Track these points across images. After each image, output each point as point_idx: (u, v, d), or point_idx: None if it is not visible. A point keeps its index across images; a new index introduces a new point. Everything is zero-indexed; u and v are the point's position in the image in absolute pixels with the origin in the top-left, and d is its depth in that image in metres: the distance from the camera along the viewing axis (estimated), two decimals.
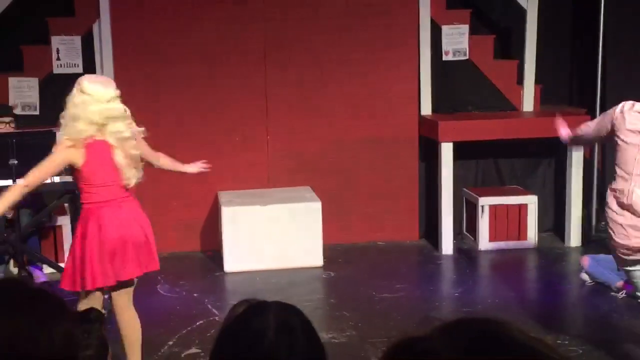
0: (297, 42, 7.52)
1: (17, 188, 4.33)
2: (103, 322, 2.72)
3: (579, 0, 8.16)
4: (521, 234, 7.50)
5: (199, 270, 7.13)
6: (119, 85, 7.33)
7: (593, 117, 7.61)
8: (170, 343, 5.39)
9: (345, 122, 7.67)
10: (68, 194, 6.38)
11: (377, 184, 7.72)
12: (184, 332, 5.57)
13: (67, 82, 7.34)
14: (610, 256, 6.49)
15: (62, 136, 4.34)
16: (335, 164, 7.68)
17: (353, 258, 7.31)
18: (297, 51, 7.55)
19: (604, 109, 7.69)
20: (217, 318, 5.74)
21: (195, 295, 6.40)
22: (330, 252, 7.17)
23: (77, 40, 7.27)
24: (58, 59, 7.28)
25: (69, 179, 6.76)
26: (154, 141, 7.40)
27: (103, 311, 5.65)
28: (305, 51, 7.55)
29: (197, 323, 5.72)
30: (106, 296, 4.77)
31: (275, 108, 7.58)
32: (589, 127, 4.79)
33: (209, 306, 6.09)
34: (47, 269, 6.67)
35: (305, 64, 7.57)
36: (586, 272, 6.53)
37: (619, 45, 7.79)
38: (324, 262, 7.04)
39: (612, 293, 6.23)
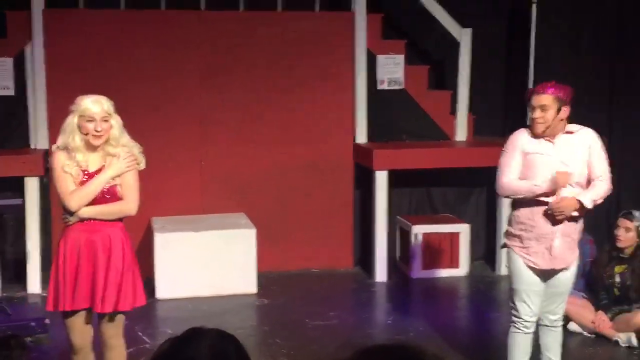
0: (234, 68, 7.52)
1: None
2: (25, 349, 2.66)
3: (511, 34, 8.37)
4: (453, 261, 7.60)
5: None
6: (51, 109, 7.25)
7: None
8: None
9: (281, 149, 7.69)
10: None
11: (312, 211, 7.74)
12: None
13: None
14: None
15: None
16: (270, 190, 7.68)
17: (287, 285, 7.30)
18: (234, 77, 7.55)
19: None
20: (147, 346, 5.65)
21: (125, 322, 6.28)
22: (264, 279, 7.14)
23: (8, 62, 7.14)
24: None
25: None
26: None
27: (29, 339, 5.52)
28: (242, 77, 7.56)
29: (128, 350, 5.61)
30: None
31: (211, 134, 7.56)
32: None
33: (140, 333, 5.99)
34: None
35: (242, 90, 7.58)
36: None
37: (550, 77, 7.98)
38: (258, 289, 7.00)
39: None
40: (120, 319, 4.35)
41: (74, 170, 4.16)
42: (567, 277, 4.67)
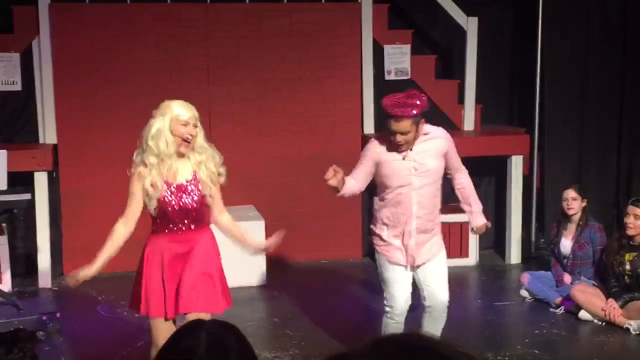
0: (240, 59, 7.52)
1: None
2: (34, 341, 2.68)
3: (518, 22, 8.34)
4: (462, 251, 7.59)
5: None
6: (59, 103, 7.28)
7: (532, 135, 7.77)
8: None
9: (289, 140, 7.69)
10: (6, 214, 6.25)
11: (320, 202, 7.74)
12: (124, 353, 5.49)
13: (6, 100, 7.26)
14: (550, 273, 6.64)
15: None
16: (278, 182, 7.68)
17: (297, 277, 7.31)
18: (240, 69, 7.55)
19: (542, 128, 7.88)
20: None
21: (136, 315, 6.30)
22: (273, 271, 7.15)
23: (15, 57, 7.16)
24: None
25: (6, 198, 6.65)
26: (95, 161, 7.36)
27: (41, 333, 5.55)
28: (248, 69, 7.55)
29: (138, 344, 5.64)
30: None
31: (218, 126, 7.55)
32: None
33: (147, 327, 6.00)
34: None
35: (249, 81, 7.57)
36: (526, 289, 6.63)
37: (557, 66, 7.97)
38: (268, 281, 7.01)
39: (551, 309, 6.34)
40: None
41: (158, 182, 4.08)
42: None
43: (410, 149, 4.63)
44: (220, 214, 4.34)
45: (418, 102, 4.53)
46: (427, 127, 4.73)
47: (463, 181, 4.97)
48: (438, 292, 4.84)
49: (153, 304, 4.19)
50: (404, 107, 4.49)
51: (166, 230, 4.18)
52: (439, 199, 4.88)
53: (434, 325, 4.86)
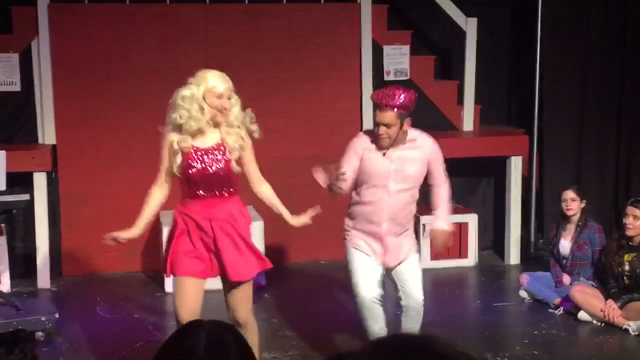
0: (239, 59, 7.51)
1: None
2: (34, 342, 2.68)
3: (517, 23, 8.34)
4: (462, 252, 7.59)
5: (140, 291, 7.04)
6: (58, 104, 7.29)
7: (531, 136, 7.78)
8: None
9: (288, 141, 7.68)
10: (5, 214, 6.24)
11: (320, 202, 7.70)
12: (123, 353, 5.48)
13: (5, 101, 7.26)
14: (548, 273, 6.65)
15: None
16: (277, 182, 7.62)
17: (296, 277, 7.31)
18: (239, 69, 7.53)
19: (541, 129, 7.88)
20: (157, 339, 5.66)
21: (135, 316, 6.32)
22: (272, 271, 7.13)
23: (14, 57, 7.15)
24: None
25: (5, 198, 6.65)
26: (94, 161, 7.36)
27: (40, 334, 5.55)
28: (247, 69, 7.54)
29: (138, 344, 5.64)
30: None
31: None
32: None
33: (150, 327, 6.01)
34: None
35: (248, 81, 7.56)
36: (525, 290, 6.63)
37: (556, 67, 7.97)
38: (267, 281, 7.01)
39: (550, 310, 6.34)
40: (248, 288, 4.40)
41: (186, 146, 4.14)
42: None
43: (390, 147, 4.64)
44: (260, 185, 4.49)
45: (404, 95, 4.55)
46: (414, 133, 4.74)
47: (441, 191, 4.87)
48: (412, 292, 4.84)
49: (181, 264, 4.24)
50: (389, 97, 4.54)
51: (193, 196, 4.23)
52: (414, 205, 4.87)
53: (411, 324, 4.87)
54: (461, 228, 7.58)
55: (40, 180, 6.97)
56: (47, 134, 7.23)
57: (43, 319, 5.66)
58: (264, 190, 4.50)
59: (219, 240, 4.23)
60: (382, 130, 4.59)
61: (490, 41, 8.07)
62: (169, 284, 6.85)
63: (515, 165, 7.62)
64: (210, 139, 4.20)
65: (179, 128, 4.17)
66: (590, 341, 5.82)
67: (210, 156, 4.19)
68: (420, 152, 4.73)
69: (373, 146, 4.72)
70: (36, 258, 7.02)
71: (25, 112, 7.28)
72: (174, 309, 4.38)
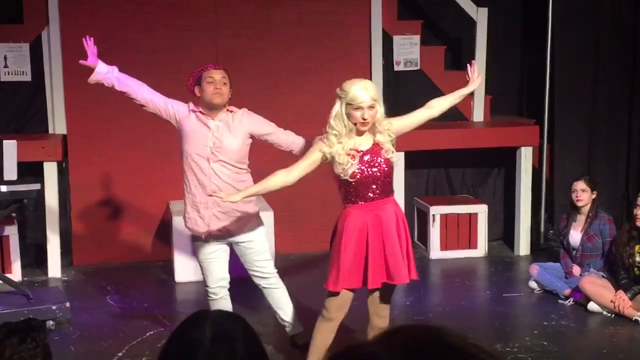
0: (249, 51, 7.51)
1: None
2: (45, 331, 2.69)
3: (528, 13, 8.31)
4: (472, 242, 7.59)
5: (150, 280, 7.07)
6: (68, 94, 7.29)
7: (541, 127, 7.75)
8: (120, 354, 5.33)
9: (298, 131, 7.64)
10: (16, 204, 6.27)
11: (329, 192, 7.70)
12: (134, 343, 5.51)
13: (16, 91, 7.28)
14: (558, 264, 6.64)
15: None
16: None
17: (306, 267, 7.31)
18: (249, 59, 7.55)
19: (552, 119, 7.85)
20: (167, 329, 5.69)
21: (145, 305, 6.35)
22: (282, 261, 7.16)
23: (25, 47, 7.17)
24: (6, 66, 7.17)
25: (16, 188, 6.67)
26: (104, 151, 7.38)
27: (51, 323, 5.58)
28: (257, 61, 7.55)
29: (148, 334, 5.67)
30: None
31: None
32: None
33: (160, 317, 6.03)
34: None
35: (258, 73, 7.57)
36: (535, 280, 6.63)
37: (567, 57, 7.94)
38: (277, 271, 7.00)
39: (560, 301, 6.34)
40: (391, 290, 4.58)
41: (341, 156, 4.30)
42: None
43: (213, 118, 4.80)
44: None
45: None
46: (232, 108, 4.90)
47: (294, 139, 5.24)
48: (261, 268, 5.03)
49: (348, 276, 4.41)
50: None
51: (360, 201, 4.33)
52: (246, 182, 4.93)
53: (277, 297, 5.12)
54: (471, 218, 7.57)
55: (51, 170, 6.99)
56: (58, 123, 7.25)
57: (54, 308, 5.69)
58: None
59: (387, 245, 4.38)
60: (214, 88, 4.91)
61: (501, 31, 8.04)
62: (178, 273, 6.88)
63: (526, 156, 7.60)
64: (364, 144, 4.35)
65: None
66: (600, 332, 5.81)
67: (370, 160, 4.32)
68: (238, 119, 5.08)
69: (193, 115, 4.98)
70: (47, 247, 7.06)
71: (35, 102, 7.30)
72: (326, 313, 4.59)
